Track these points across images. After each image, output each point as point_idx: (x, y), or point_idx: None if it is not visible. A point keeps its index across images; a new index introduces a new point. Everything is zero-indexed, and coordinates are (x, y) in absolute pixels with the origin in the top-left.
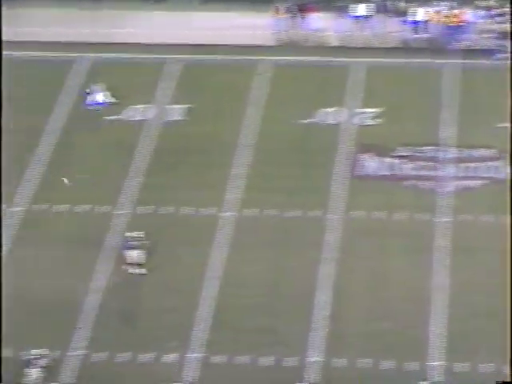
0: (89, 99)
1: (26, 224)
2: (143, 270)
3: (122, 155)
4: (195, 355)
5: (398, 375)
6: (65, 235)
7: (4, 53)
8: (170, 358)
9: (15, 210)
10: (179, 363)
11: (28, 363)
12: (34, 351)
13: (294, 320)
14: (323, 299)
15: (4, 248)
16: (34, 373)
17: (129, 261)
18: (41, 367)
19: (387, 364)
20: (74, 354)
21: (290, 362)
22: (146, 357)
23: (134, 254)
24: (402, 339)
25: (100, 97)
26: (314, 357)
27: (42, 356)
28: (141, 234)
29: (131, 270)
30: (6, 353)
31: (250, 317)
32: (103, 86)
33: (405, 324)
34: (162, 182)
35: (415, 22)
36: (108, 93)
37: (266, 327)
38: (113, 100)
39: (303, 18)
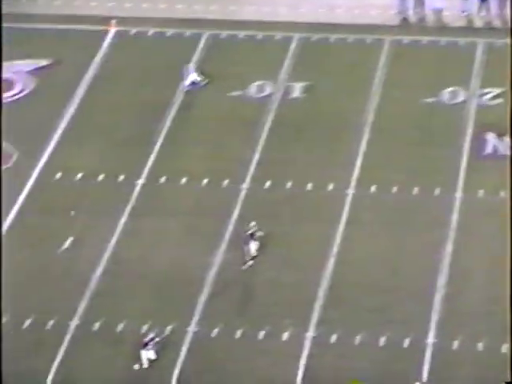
0: (186, 79)
1: (145, 196)
2: (254, 260)
3: (242, 130)
4: (311, 333)
5: None
6: (182, 208)
7: (133, 29)
8: (286, 335)
9: (136, 183)
10: (294, 340)
11: (144, 345)
12: (151, 334)
13: (411, 299)
14: (442, 279)
15: (123, 220)
16: (150, 354)
17: (248, 254)
18: (155, 348)
19: (506, 346)
20: (190, 328)
21: (408, 341)
22: (261, 333)
23: (253, 248)
24: None
25: (193, 77)
26: (432, 337)
27: (157, 336)
28: (254, 224)
29: (248, 263)
30: (120, 327)
31: (368, 295)
32: (195, 65)
33: None
34: (281, 158)
35: None
36: (198, 73)
37: (384, 306)
38: (202, 79)
39: None
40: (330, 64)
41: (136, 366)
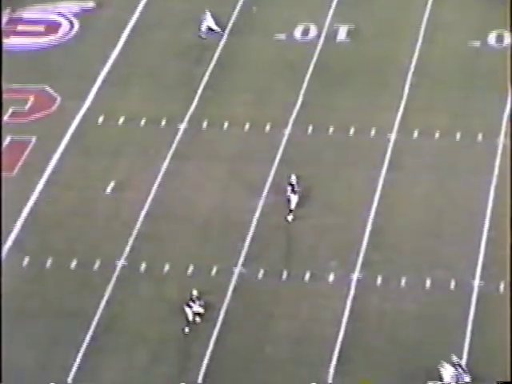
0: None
1: (188, 141)
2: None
3: (285, 74)
4: (355, 275)
5: None
6: (225, 153)
7: None
8: (331, 277)
9: (178, 127)
10: (340, 282)
11: (187, 303)
12: (195, 292)
13: (456, 242)
14: (486, 223)
15: (165, 164)
16: (197, 309)
17: (290, 207)
18: (200, 305)
19: None
20: (236, 269)
21: (454, 284)
22: (306, 275)
23: (293, 201)
24: None
25: (209, 23)
26: (478, 279)
27: (200, 296)
28: (295, 178)
29: (288, 218)
30: (166, 269)
31: (412, 238)
32: (211, 13)
33: None
34: (324, 102)
35: None
36: (212, 20)
37: (428, 248)
38: (216, 28)
39: None
40: (375, 7)
41: (186, 330)
